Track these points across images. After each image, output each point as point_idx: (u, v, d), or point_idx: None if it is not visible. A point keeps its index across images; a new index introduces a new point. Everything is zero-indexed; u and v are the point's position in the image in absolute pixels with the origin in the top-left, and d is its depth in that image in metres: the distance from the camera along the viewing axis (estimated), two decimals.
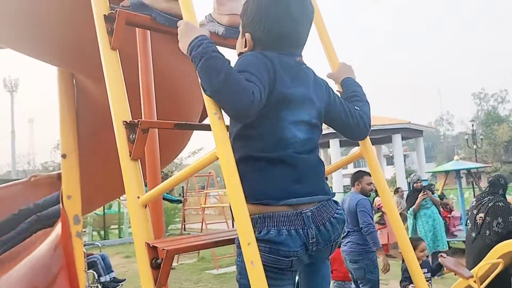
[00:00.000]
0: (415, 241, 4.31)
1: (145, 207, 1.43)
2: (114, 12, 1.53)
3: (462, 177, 12.79)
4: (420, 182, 8.82)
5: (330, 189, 1.48)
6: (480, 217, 4.83)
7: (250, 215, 1.20)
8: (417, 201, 8.38)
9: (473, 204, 5.12)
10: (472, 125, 31.24)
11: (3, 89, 37.64)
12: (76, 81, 3.06)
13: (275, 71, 1.38)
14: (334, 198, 1.48)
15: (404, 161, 25.31)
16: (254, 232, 1.21)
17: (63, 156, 3.17)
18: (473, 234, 4.85)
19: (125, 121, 1.47)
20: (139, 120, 1.44)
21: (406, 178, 18.01)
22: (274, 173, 1.35)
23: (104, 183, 3.60)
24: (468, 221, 5.15)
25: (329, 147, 18.47)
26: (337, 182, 18.38)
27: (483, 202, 4.93)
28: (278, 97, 1.36)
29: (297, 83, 1.45)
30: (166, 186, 1.42)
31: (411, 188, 9.24)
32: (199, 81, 1.28)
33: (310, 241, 1.34)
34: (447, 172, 11.61)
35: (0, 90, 37.86)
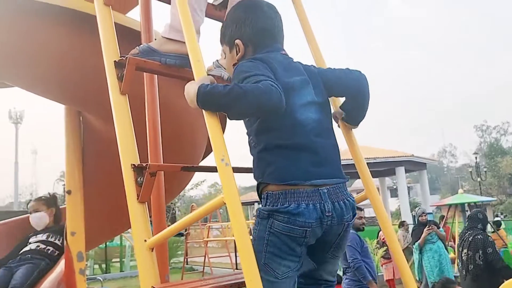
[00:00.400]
0: (449, 284, 4.31)
1: (152, 250, 1.43)
2: (124, 58, 1.58)
3: (467, 210, 12.67)
4: (425, 216, 8.74)
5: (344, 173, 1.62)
6: (464, 253, 4.99)
7: (272, 192, 1.44)
8: (423, 236, 8.29)
9: (458, 242, 5.32)
10: (476, 157, 31.20)
11: (8, 120, 38.01)
12: (83, 118, 3.12)
13: (271, 67, 1.53)
14: None
15: (408, 193, 25.16)
16: (276, 205, 1.42)
17: (68, 192, 3.19)
18: (464, 272, 4.93)
19: (134, 164, 1.49)
20: (147, 164, 1.46)
21: (411, 210, 17.85)
22: (299, 158, 1.49)
23: (108, 219, 3.60)
24: (458, 261, 5.30)
25: None
26: None
27: (465, 238, 5.09)
28: (283, 87, 1.46)
29: (292, 73, 1.60)
30: (173, 230, 1.43)
31: (416, 222, 9.15)
32: (230, 117, 1.40)
33: (326, 214, 1.47)
34: (451, 206, 11.52)
35: (5, 121, 38.24)
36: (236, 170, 1.57)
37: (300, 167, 1.48)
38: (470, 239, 4.95)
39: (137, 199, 1.47)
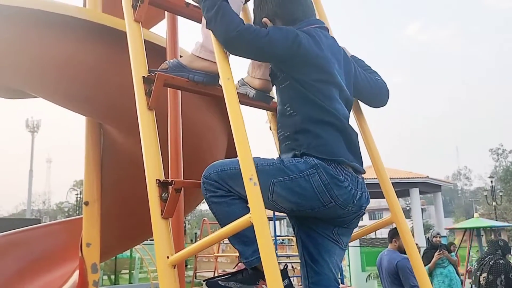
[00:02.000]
0: None
1: (174, 267, 1.42)
2: (153, 74, 1.59)
3: (482, 235, 12.42)
4: (439, 237, 8.60)
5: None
6: (483, 277, 4.94)
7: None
8: (433, 260, 8.12)
9: (476, 267, 5.26)
10: (491, 181, 30.69)
11: (25, 129, 38.56)
12: (104, 130, 3.14)
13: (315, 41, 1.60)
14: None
15: (422, 215, 24.82)
16: (329, 165, 1.50)
17: (86, 203, 3.20)
18: None
19: (159, 180, 1.49)
20: (173, 180, 1.46)
21: (424, 233, 17.56)
22: (340, 139, 1.56)
23: (124, 231, 3.60)
24: (473, 286, 5.20)
25: None
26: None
27: (484, 262, 5.07)
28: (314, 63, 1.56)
29: (325, 47, 1.64)
30: (197, 247, 1.42)
31: (429, 244, 8.99)
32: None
33: (354, 201, 1.54)
34: (467, 230, 11.31)
35: (22, 129, 38.77)
36: None
37: (343, 147, 1.55)
38: (491, 264, 4.91)
39: (161, 215, 1.46)
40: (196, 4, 1.84)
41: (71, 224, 4.13)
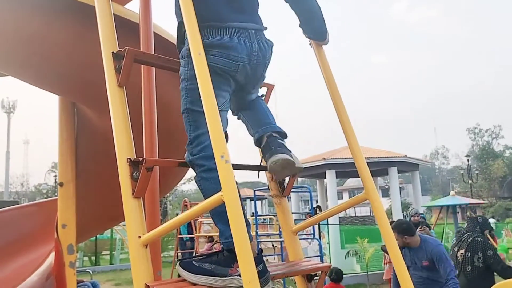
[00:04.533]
0: None
1: (146, 247, 1.40)
2: (122, 50, 1.54)
3: (458, 212, 12.74)
4: (418, 216, 8.80)
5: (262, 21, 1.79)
6: (461, 253, 4.96)
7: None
8: None
9: (454, 242, 5.33)
10: (468, 160, 31.36)
11: (0, 110, 37.63)
12: (77, 110, 3.06)
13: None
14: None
15: (400, 193, 25.26)
16: (207, 38, 1.56)
17: (60, 184, 3.14)
18: (456, 272, 4.91)
19: (129, 159, 1.46)
20: (143, 159, 1.43)
21: (402, 210, 17.89)
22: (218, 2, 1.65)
23: (100, 212, 3.55)
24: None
25: (325, 178, 18.47)
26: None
27: (463, 239, 5.07)
28: None
29: None
30: (167, 227, 1.39)
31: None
32: None
33: (254, 54, 1.65)
34: (442, 207, 11.57)
35: None
36: (234, 167, 1.53)
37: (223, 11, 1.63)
38: (469, 240, 4.93)
39: (132, 194, 1.44)
40: None
41: (46, 206, 4.07)
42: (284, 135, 1.75)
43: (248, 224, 1.43)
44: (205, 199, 1.40)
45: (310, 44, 1.95)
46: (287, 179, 1.92)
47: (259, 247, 7.24)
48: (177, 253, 11.75)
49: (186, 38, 1.56)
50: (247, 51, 1.63)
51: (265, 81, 1.90)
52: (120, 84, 1.54)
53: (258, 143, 1.78)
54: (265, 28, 1.79)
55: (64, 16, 2.38)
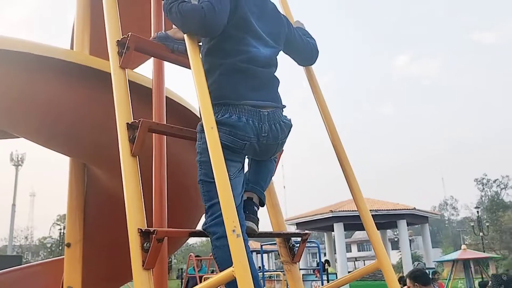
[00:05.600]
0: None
1: None
2: (137, 121, 1.58)
3: (471, 266, 12.39)
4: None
5: (281, 100, 1.84)
6: None
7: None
8: None
9: None
10: (477, 211, 30.86)
11: (9, 162, 37.94)
12: (88, 170, 3.09)
13: None
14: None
15: (410, 245, 24.75)
16: (217, 115, 1.60)
17: (67, 245, 3.11)
18: None
19: (140, 229, 1.46)
20: (155, 230, 1.43)
21: (413, 262, 17.46)
22: (235, 79, 1.70)
23: (107, 273, 3.50)
24: None
25: (333, 231, 18.20)
26: (342, 266, 17.88)
27: None
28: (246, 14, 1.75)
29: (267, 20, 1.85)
30: None
31: None
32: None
33: (263, 134, 1.69)
34: (455, 262, 11.27)
35: (6, 163, 38.12)
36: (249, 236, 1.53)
37: (236, 88, 1.69)
38: None
39: (143, 266, 1.43)
40: (181, 52, 1.87)
41: (52, 266, 4.01)
42: (262, 205, 1.86)
43: None
44: (218, 268, 1.40)
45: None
46: (297, 245, 1.91)
47: None
48: None
49: None
50: (255, 131, 1.67)
51: None
52: (134, 153, 1.57)
53: None
54: (284, 106, 1.82)
55: (78, 81, 2.46)
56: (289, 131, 1.81)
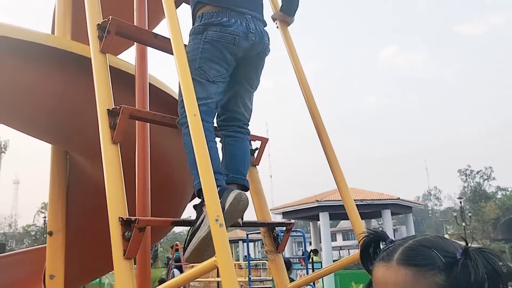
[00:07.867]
0: None
1: None
2: (118, 108, 1.54)
3: None
4: None
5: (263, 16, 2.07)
6: None
7: (207, 11, 1.88)
8: None
9: None
10: (460, 202, 31.36)
11: None
12: (70, 158, 3.04)
13: None
14: None
15: (394, 235, 25.07)
16: (211, 19, 1.86)
17: (50, 233, 3.06)
18: None
19: (122, 218, 1.43)
20: (136, 218, 1.40)
21: None
22: None
23: (90, 262, 3.46)
24: None
25: (318, 220, 18.32)
26: (327, 255, 18.04)
27: None
28: None
29: None
30: None
31: None
32: None
33: (251, 31, 1.89)
34: None
35: None
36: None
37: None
38: None
39: (124, 255, 1.40)
40: (165, 36, 1.82)
41: (33, 254, 3.96)
42: (246, 189, 1.88)
43: None
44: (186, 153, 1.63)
45: (277, 26, 2.33)
46: (281, 235, 1.90)
47: None
48: None
49: (197, 19, 1.91)
50: (243, 29, 1.88)
51: (259, 134, 1.91)
52: (115, 141, 1.54)
53: None
54: (265, 24, 2.04)
55: (59, 66, 2.40)
56: (269, 41, 2.02)
